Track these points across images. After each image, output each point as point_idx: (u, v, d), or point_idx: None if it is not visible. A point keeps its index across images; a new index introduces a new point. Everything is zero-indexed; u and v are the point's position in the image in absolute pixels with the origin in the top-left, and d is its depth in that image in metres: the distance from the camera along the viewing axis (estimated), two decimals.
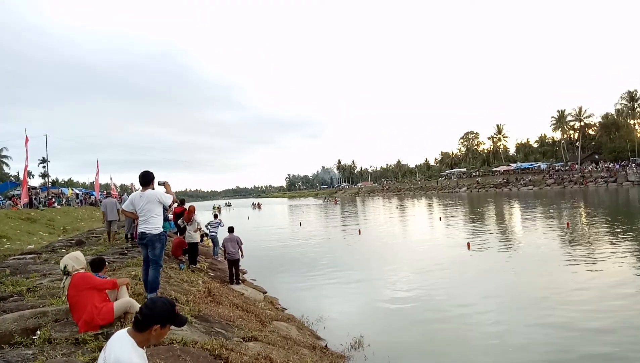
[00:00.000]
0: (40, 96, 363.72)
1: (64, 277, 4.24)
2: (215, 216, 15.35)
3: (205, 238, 16.57)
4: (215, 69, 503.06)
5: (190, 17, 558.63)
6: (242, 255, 10.58)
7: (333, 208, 57.80)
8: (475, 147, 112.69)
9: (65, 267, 4.20)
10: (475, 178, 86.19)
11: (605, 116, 77.94)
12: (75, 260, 4.28)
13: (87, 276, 4.21)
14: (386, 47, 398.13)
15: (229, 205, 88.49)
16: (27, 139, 26.16)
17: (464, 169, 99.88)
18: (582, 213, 26.98)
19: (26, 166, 26.70)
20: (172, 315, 2.33)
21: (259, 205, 76.80)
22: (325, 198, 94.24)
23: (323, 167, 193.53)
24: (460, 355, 6.59)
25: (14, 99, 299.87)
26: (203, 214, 20.99)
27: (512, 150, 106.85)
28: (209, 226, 13.84)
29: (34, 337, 3.99)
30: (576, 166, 71.17)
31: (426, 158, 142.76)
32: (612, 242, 15.01)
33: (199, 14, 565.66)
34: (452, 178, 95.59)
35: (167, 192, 5.85)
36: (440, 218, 30.02)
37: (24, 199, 26.55)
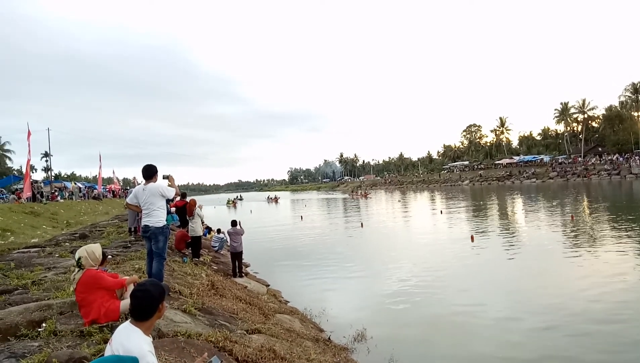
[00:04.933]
0: (42, 90, 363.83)
1: (76, 269, 4.16)
2: (219, 230, 15.03)
3: (209, 233, 16.64)
4: (216, 63, 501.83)
5: (190, 9, 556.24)
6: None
7: (335, 202, 57.56)
8: (478, 140, 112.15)
9: (79, 259, 4.12)
10: (478, 171, 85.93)
11: (609, 108, 77.31)
12: (92, 254, 4.17)
13: (98, 277, 4.12)
14: (388, 40, 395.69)
15: (241, 199, 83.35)
16: (29, 133, 26.26)
17: (467, 162, 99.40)
18: (586, 206, 26.91)
19: (29, 160, 26.81)
20: (164, 288, 2.44)
21: (275, 199, 69.57)
22: (352, 191, 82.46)
23: (325, 160, 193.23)
24: (462, 349, 6.60)
25: (15, 93, 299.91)
26: (206, 209, 20.99)
27: (515, 143, 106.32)
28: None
29: (39, 329, 4.01)
30: (579, 159, 70.74)
31: (429, 151, 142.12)
32: (616, 235, 14.96)
33: (199, 7, 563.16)
34: (455, 171, 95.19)
35: (170, 185, 5.87)
36: (441, 211, 30.00)
37: (27, 194, 26.62)
